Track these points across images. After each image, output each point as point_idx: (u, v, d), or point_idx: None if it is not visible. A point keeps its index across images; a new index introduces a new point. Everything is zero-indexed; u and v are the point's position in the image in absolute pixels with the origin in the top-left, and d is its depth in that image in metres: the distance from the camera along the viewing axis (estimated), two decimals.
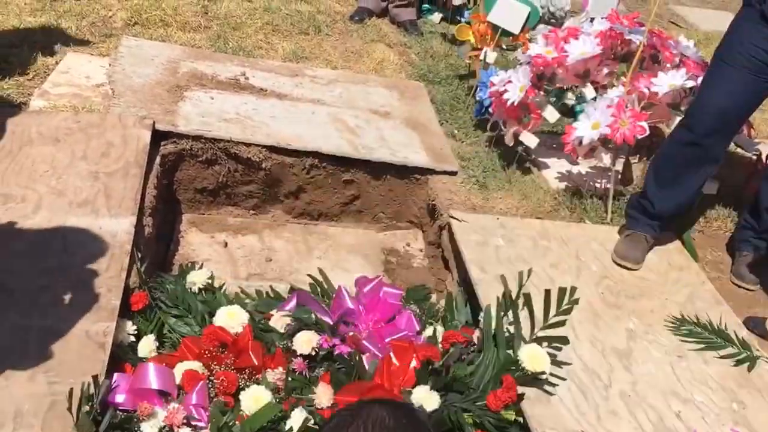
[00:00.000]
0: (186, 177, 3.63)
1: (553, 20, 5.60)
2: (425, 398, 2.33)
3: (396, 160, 3.69)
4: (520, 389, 2.46)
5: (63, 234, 2.70)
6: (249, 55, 4.50)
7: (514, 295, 2.72)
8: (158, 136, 3.45)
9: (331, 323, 2.70)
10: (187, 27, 4.66)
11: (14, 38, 4.01)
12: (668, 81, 3.52)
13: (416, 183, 3.79)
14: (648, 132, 3.43)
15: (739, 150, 4.08)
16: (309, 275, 3.07)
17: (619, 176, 3.74)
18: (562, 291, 2.62)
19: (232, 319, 2.61)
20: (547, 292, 2.62)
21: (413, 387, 2.39)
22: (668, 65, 3.74)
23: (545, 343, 2.61)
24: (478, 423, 2.37)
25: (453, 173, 3.74)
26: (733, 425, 2.54)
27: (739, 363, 2.82)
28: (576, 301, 2.61)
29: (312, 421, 2.30)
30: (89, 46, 4.16)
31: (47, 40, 4.07)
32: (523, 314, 2.67)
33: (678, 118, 3.52)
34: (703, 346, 2.87)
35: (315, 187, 3.74)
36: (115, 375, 2.27)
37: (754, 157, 3.98)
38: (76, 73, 3.83)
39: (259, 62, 4.42)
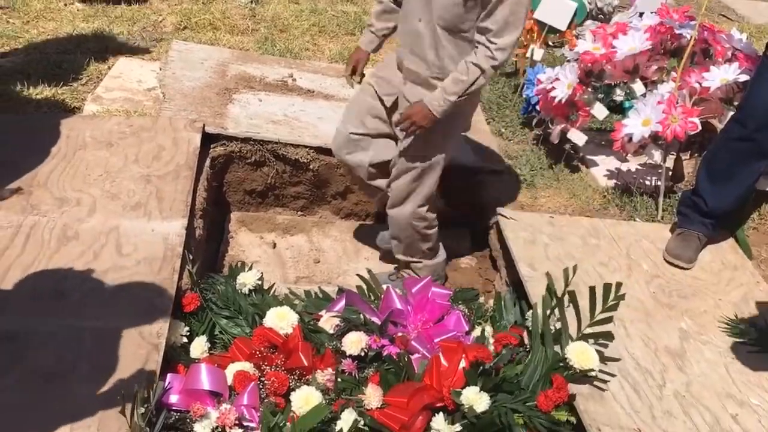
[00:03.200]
0: (235, 178, 3.68)
1: (600, 16, 5.53)
2: (475, 399, 2.32)
3: None
4: (571, 387, 2.45)
5: (116, 236, 2.76)
6: (296, 57, 4.53)
7: (560, 293, 2.70)
8: (208, 139, 3.50)
9: (380, 323, 2.71)
10: (236, 30, 4.72)
11: (68, 44, 4.11)
12: (720, 75, 3.46)
13: (464, 182, 3.78)
14: (699, 128, 3.37)
15: None
16: (358, 275, 3.09)
17: (670, 173, 3.69)
18: (607, 287, 2.60)
19: (281, 320, 2.63)
20: (592, 289, 2.60)
21: (462, 388, 2.38)
22: (720, 59, 3.66)
23: (591, 340, 2.59)
24: (528, 424, 2.35)
25: (500, 172, 3.73)
26: None
27: None
28: (622, 297, 2.59)
29: (362, 422, 2.31)
30: (141, 50, 4.23)
31: (100, 46, 4.15)
32: (570, 312, 2.65)
33: (731, 114, 3.46)
34: (757, 347, 2.81)
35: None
36: (169, 376, 2.31)
37: None
38: (128, 78, 3.90)
39: (306, 64, 4.45)
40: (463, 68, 2.69)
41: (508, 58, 2.72)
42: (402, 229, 3.16)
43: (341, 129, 3.11)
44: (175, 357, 2.48)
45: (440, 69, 2.77)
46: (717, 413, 2.51)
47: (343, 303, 2.81)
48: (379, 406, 2.36)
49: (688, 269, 3.18)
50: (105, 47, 4.17)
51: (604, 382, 2.53)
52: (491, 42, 2.64)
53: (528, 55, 4.44)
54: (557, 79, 3.75)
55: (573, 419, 2.41)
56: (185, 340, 2.58)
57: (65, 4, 4.60)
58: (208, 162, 3.46)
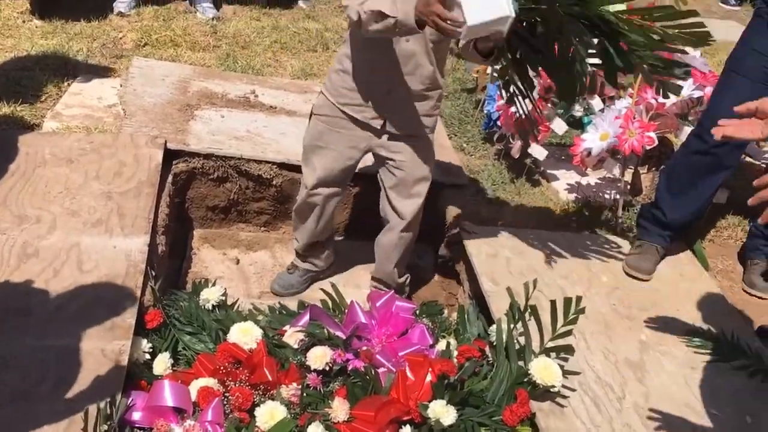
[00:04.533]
0: (198, 195, 3.66)
1: None
2: (442, 412, 2.34)
3: None
4: (534, 403, 2.48)
5: (77, 253, 2.73)
6: (258, 73, 4.54)
7: (522, 307, 2.73)
8: (170, 155, 3.48)
9: (344, 338, 2.72)
10: (197, 47, 4.71)
11: (27, 61, 4.07)
12: None
13: (426, 197, 3.80)
14: (656, 142, 3.45)
15: (748, 159, 4.09)
16: (321, 290, 3.09)
17: (629, 187, 3.75)
18: (568, 301, 2.64)
19: (245, 335, 2.62)
20: (554, 303, 2.64)
21: (429, 401, 2.39)
22: None
23: (554, 354, 2.62)
24: None
25: (462, 186, 3.76)
26: None
27: (752, 375, 2.80)
28: (582, 310, 2.63)
29: None
30: (101, 67, 4.21)
31: (59, 63, 4.11)
32: (533, 326, 2.68)
33: (687, 128, 3.54)
34: (716, 358, 2.86)
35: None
36: (132, 393, 2.29)
37: (763, 166, 3.98)
38: (88, 95, 3.87)
39: (268, 80, 4.45)
40: None
41: None
42: (407, 248, 3.22)
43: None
44: (138, 374, 2.45)
45: (432, 80, 2.79)
46: (676, 424, 2.54)
47: (307, 318, 2.81)
48: (346, 419, 2.37)
49: (647, 281, 3.23)
50: (64, 64, 4.13)
51: (565, 397, 2.56)
52: None
53: (488, 71, 4.49)
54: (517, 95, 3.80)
55: None
56: (148, 356, 2.55)
57: (23, 21, 4.55)
58: (170, 178, 3.44)
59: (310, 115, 2.99)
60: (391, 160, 2.95)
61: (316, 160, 3.00)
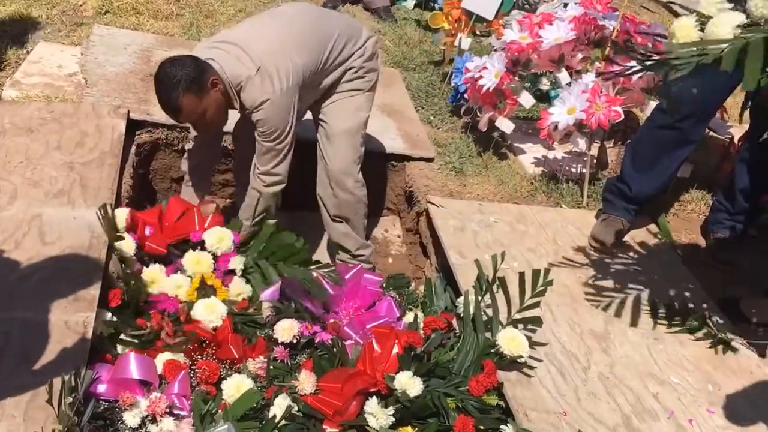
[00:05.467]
0: (162, 166, 3.61)
1: (527, 6, 5.61)
2: (408, 383, 2.34)
3: (372, 147, 3.68)
4: (501, 373, 2.49)
5: (39, 224, 2.67)
6: None
7: (490, 279, 2.74)
8: (133, 126, 3.42)
9: (314, 312, 2.71)
10: (159, 15, 4.62)
11: None
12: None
13: (393, 170, 3.80)
14: (622, 116, 3.46)
15: (711, 133, 4.13)
16: None
17: (595, 161, 3.78)
18: (536, 273, 2.65)
19: (210, 312, 2.58)
20: (522, 275, 2.65)
21: (396, 372, 2.40)
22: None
23: (521, 325, 2.64)
24: (461, 407, 2.38)
25: (430, 159, 3.75)
26: (709, 406, 2.58)
27: (713, 345, 2.86)
28: (550, 283, 2.65)
29: (296, 408, 2.31)
30: (60, 35, 4.11)
31: (17, 30, 4.01)
32: (500, 298, 2.70)
33: (652, 103, 3.56)
34: (678, 329, 2.90)
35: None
36: (97, 365, 2.26)
37: (727, 140, 4.03)
38: (48, 63, 3.78)
39: None
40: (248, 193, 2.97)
41: (280, 179, 2.93)
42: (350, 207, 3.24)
43: None
44: (103, 347, 2.42)
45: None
46: (639, 392, 2.59)
47: (272, 290, 2.79)
48: (312, 391, 2.36)
49: (611, 254, 3.26)
50: (23, 31, 4.03)
51: (532, 367, 2.58)
52: (256, 167, 2.91)
53: (456, 44, 4.48)
54: (485, 67, 3.80)
55: (503, 403, 2.46)
56: (113, 330, 2.52)
57: None
58: (133, 149, 3.39)
59: None
60: (319, 117, 3.13)
61: None
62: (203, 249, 2.81)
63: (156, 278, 2.68)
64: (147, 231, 2.83)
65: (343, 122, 3.08)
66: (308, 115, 3.17)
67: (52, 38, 4.05)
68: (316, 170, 3.19)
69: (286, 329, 2.59)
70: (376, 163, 3.75)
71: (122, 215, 2.77)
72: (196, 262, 2.75)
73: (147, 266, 2.73)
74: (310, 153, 3.18)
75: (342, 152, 3.09)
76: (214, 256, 2.80)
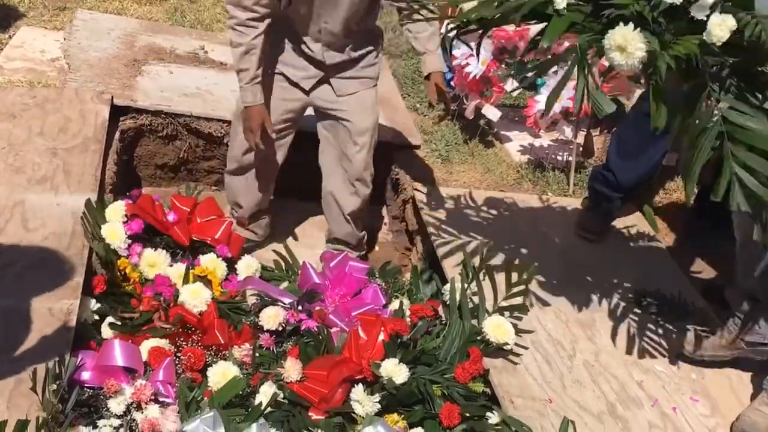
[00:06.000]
0: (146, 153, 3.58)
1: None
2: (394, 371, 2.34)
3: None
4: (487, 360, 2.50)
5: (22, 211, 2.65)
6: (207, 29, 4.43)
7: (476, 267, 2.74)
8: (117, 111, 3.39)
9: (290, 302, 2.70)
10: (143, 0, 4.57)
11: None
12: None
13: (379, 157, 3.77)
14: None
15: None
16: (274, 251, 3.06)
17: (581, 149, 3.78)
18: (522, 261, 2.66)
19: (195, 297, 2.58)
20: (508, 263, 2.66)
21: (382, 360, 2.40)
22: None
23: (507, 313, 2.65)
24: (446, 395, 2.39)
25: (416, 147, 3.74)
26: (693, 394, 2.60)
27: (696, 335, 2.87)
28: (535, 271, 2.65)
29: (281, 395, 2.30)
30: (43, 19, 4.07)
31: None
32: (486, 285, 2.70)
33: (638, 91, 3.56)
34: (663, 317, 2.91)
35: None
36: (80, 353, 2.25)
37: None
38: (31, 48, 3.74)
39: (218, 36, 4.35)
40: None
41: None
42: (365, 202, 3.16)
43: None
44: (87, 334, 2.41)
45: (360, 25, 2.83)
46: (624, 380, 2.60)
47: (257, 280, 2.79)
48: (298, 379, 2.36)
49: (597, 242, 3.27)
50: (5, 15, 3.98)
51: (518, 355, 2.58)
52: None
53: (442, 31, 4.46)
54: (471, 55, 3.78)
55: (488, 391, 2.46)
56: (97, 317, 2.51)
57: None
58: (117, 135, 3.35)
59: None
60: (334, 111, 2.93)
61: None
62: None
63: (157, 262, 2.70)
64: (171, 217, 2.87)
65: (368, 118, 2.95)
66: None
67: (34, 23, 4.01)
68: (309, 159, 3.13)
69: (272, 316, 2.59)
70: None
71: (118, 207, 2.76)
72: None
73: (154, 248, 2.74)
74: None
75: (367, 151, 2.99)
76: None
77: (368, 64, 2.92)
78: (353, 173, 3.02)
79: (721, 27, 1.75)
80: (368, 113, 2.95)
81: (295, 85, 2.89)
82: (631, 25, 1.81)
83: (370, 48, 2.91)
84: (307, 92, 2.90)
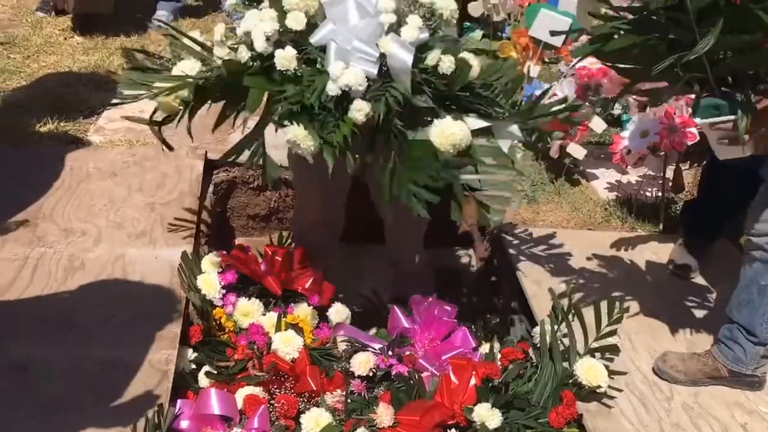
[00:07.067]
0: (238, 203, 3.70)
1: None
2: (487, 416, 2.32)
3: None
4: (580, 404, 2.46)
5: (122, 265, 2.78)
6: None
7: (565, 308, 2.71)
8: (211, 166, 3.52)
9: (379, 348, 2.72)
10: None
11: (69, 77, 4.15)
12: None
13: (464, 200, 3.79)
14: (698, 138, 3.39)
15: None
16: (362, 295, 3.10)
17: (670, 184, 3.70)
18: (611, 300, 2.61)
19: (287, 344, 2.63)
20: (597, 303, 2.61)
21: (474, 404, 2.38)
22: None
23: (599, 354, 2.60)
24: None
25: None
26: None
27: None
28: (626, 310, 2.60)
29: None
30: None
31: (101, 78, 4.19)
32: (576, 327, 2.66)
33: None
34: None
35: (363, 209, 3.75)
36: (179, 402, 2.32)
37: None
38: (129, 108, 3.91)
39: None
40: None
41: None
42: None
43: None
44: (185, 384, 2.48)
45: None
46: (726, 423, 2.51)
47: (348, 326, 2.82)
48: (391, 424, 2.36)
49: (692, 279, 3.19)
50: (106, 79, 4.20)
51: (612, 398, 2.53)
52: None
53: (525, 72, 4.47)
54: (554, 94, 3.78)
55: None
56: (193, 366, 2.59)
57: (65, 38, 4.64)
58: (211, 188, 3.49)
59: None
60: None
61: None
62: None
63: (250, 311, 2.75)
64: (264, 267, 2.92)
65: None
66: None
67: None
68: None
69: (363, 362, 2.61)
70: (447, 195, 3.74)
71: (213, 258, 2.84)
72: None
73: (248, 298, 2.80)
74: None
75: None
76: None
77: None
78: None
79: (359, 112, 2.00)
80: None
81: None
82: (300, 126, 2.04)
83: None
84: None
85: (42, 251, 2.79)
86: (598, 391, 2.49)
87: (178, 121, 2.32)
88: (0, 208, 2.98)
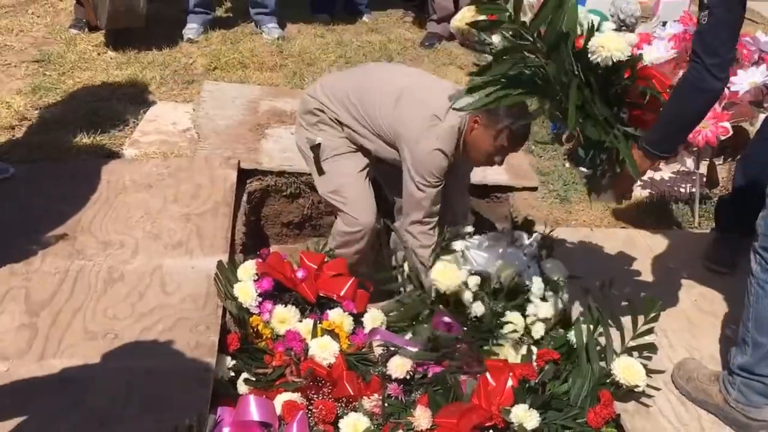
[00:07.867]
0: (272, 212, 3.74)
1: (623, 27, 5.52)
2: (525, 417, 2.33)
3: (475, 179, 3.70)
4: (618, 404, 2.45)
5: (160, 275, 2.82)
6: None
7: (600, 307, 2.70)
8: (244, 174, 3.57)
9: (416, 350, 2.73)
10: (264, 67, 4.80)
11: (103, 92, 4.22)
12: (748, 79, 3.44)
13: (497, 201, 3.80)
14: (731, 132, 3.36)
15: None
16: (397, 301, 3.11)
17: (704, 179, 3.67)
18: (648, 299, 2.60)
19: (323, 350, 2.66)
20: (633, 302, 2.60)
21: (511, 406, 2.39)
22: (746, 63, 3.65)
23: (636, 353, 2.58)
24: None
25: (533, 189, 3.74)
26: None
27: None
28: (663, 307, 2.58)
29: None
30: (173, 93, 4.34)
31: (134, 91, 4.26)
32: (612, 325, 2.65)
33: (762, 116, 3.44)
34: None
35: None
36: (219, 409, 2.35)
37: None
38: (163, 121, 4.00)
39: None
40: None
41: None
42: None
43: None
44: (223, 391, 2.52)
45: None
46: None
47: (383, 331, 2.84)
48: (429, 427, 2.38)
49: (728, 275, 3.15)
50: (139, 92, 4.27)
51: (650, 396, 2.51)
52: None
53: None
54: None
55: None
56: (232, 374, 2.62)
57: (98, 54, 4.72)
58: (245, 197, 3.53)
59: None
60: None
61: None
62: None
63: (287, 318, 2.78)
64: (299, 274, 2.93)
65: None
66: None
67: (165, 97, 4.28)
68: None
69: (399, 365, 2.62)
70: (480, 195, 3.76)
71: (248, 266, 2.87)
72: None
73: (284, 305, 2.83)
74: None
75: None
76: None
77: None
78: None
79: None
80: None
81: None
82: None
83: None
84: None
85: (81, 264, 2.85)
86: (636, 390, 2.48)
87: None
88: (40, 222, 3.04)
